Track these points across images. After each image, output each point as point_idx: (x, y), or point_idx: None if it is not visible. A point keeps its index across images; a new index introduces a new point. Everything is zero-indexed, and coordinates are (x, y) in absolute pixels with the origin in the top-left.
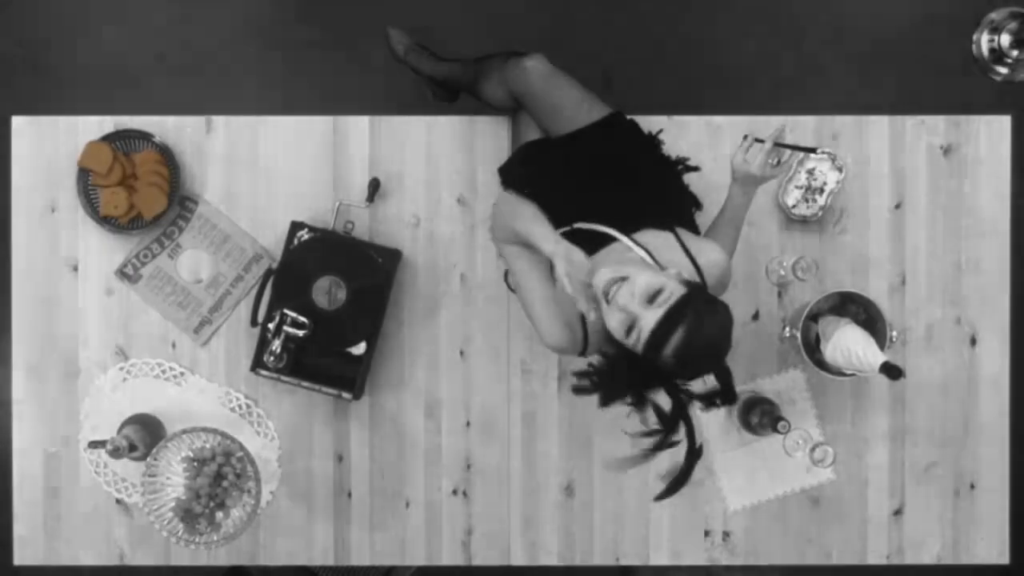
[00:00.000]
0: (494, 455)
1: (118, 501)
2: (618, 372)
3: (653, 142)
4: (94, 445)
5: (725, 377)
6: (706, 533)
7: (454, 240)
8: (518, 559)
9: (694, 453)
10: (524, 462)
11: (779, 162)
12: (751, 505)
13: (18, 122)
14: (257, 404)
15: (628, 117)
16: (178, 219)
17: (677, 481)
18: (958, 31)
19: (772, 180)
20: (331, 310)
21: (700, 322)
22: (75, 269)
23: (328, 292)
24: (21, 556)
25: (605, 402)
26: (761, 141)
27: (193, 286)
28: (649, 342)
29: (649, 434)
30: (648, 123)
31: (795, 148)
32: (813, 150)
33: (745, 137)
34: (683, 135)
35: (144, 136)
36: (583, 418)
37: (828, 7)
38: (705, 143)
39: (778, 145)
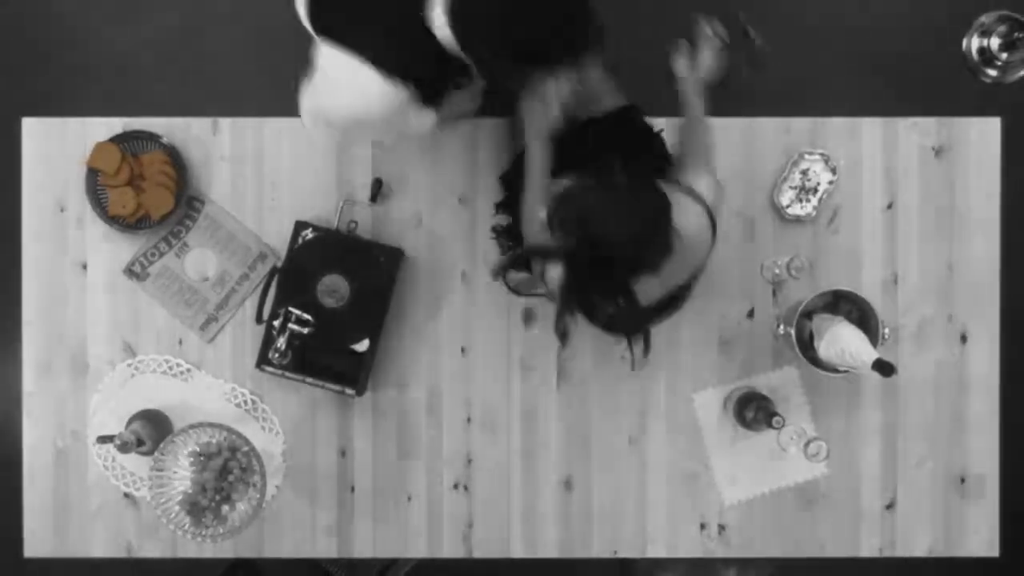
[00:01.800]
0: (494, 450)
1: (126, 495)
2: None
3: (658, 139)
4: (102, 440)
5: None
6: (702, 526)
7: (456, 239)
8: (517, 552)
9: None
10: (524, 457)
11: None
12: (746, 499)
13: (28, 123)
14: (262, 400)
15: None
16: (185, 219)
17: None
18: (949, 34)
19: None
20: (335, 308)
21: (598, 177)
22: (84, 267)
23: (332, 290)
24: (31, 549)
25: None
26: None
27: (199, 284)
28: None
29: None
30: None
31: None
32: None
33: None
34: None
35: (152, 137)
36: (582, 415)
37: (821, 11)
38: None
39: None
